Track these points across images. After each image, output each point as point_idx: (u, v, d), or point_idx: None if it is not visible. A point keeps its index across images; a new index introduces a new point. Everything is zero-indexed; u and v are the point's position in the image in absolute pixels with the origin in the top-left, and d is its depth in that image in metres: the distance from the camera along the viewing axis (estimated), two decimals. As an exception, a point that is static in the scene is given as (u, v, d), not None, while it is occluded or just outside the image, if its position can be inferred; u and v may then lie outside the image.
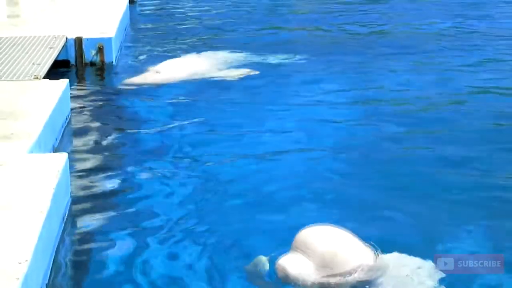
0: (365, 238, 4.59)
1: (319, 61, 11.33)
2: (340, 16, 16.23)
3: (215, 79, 9.54)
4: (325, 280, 4.06)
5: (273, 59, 11.17)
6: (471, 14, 16.44)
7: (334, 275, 4.06)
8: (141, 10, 15.84)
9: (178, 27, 14.27)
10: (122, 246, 5.23)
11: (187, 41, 12.72)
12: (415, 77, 10.86)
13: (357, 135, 7.99)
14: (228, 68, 10.22)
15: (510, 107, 9.34)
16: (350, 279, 4.17)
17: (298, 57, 11.33)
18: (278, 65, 10.90)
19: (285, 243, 4.65)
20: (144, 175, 6.70)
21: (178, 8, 16.70)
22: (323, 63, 11.25)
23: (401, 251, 4.54)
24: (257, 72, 10.06)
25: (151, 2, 17.35)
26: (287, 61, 10.97)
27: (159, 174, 6.72)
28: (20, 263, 3.68)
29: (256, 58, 10.91)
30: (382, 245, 4.62)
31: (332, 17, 16.16)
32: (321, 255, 4.02)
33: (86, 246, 5.30)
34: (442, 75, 11.21)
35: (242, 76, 9.80)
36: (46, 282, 4.30)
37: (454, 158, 7.21)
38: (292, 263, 4.05)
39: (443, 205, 5.90)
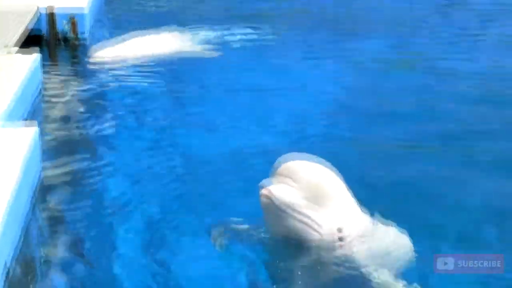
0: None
1: (291, 39, 11.29)
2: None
3: (185, 55, 9.48)
4: (310, 207, 3.86)
5: (241, 36, 11.07)
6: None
7: (321, 203, 3.87)
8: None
9: (151, 2, 14.09)
10: (92, 218, 5.20)
11: (159, 16, 12.60)
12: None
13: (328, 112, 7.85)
14: (197, 44, 10.18)
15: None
16: (338, 206, 3.97)
17: (269, 34, 11.25)
18: (246, 42, 10.82)
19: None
20: (114, 147, 6.68)
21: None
22: (294, 41, 11.23)
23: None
24: (224, 48, 10.08)
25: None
26: (256, 37, 10.92)
27: (129, 145, 6.74)
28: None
29: (226, 35, 10.86)
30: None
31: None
32: (306, 183, 3.83)
33: (56, 219, 5.26)
34: (419, 59, 11.00)
35: (210, 52, 9.77)
36: (17, 253, 4.28)
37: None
38: (278, 191, 3.84)
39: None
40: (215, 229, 4.61)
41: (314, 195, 3.82)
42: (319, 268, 4.00)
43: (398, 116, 7.96)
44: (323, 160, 4.07)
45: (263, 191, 3.80)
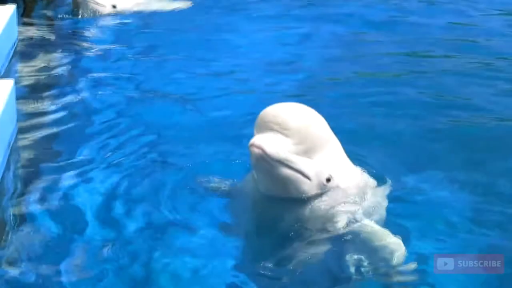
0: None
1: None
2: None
3: (161, 12, 9.46)
4: (301, 156, 3.73)
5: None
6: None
7: (311, 150, 3.75)
8: None
9: None
10: (67, 174, 5.08)
11: None
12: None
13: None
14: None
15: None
16: (326, 152, 3.87)
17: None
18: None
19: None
20: (90, 101, 6.72)
21: None
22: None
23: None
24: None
25: None
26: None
27: (107, 100, 6.74)
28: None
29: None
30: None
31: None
32: (296, 130, 3.67)
33: (31, 174, 5.19)
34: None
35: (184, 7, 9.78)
36: None
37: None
38: (268, 141, 3.66)
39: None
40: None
41: (305, 144, 3.71)
42: (307, 216, 3.95)
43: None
44: (308, 108, 3.93)
45: (255, 144, 3.62)
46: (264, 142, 3.59)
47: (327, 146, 3.85)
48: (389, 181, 4.52)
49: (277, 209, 4.02)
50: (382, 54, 9.05)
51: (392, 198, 4.41)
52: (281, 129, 3.62)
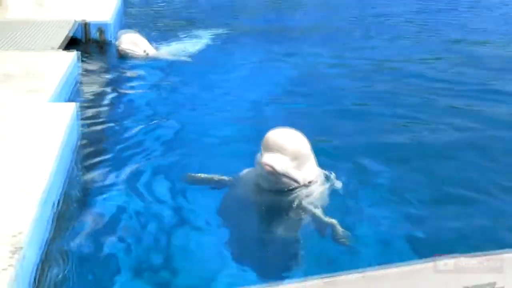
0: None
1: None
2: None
3: (188, 59, 9.98)
4: (294, 167, 4.44)
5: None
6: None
7: (300, 163, 4.48)
8: (131, 3, 16.31)
9: (156, 15, 14.92)
10: (119, 172, 5.56)
11: (162, 27, 13.48)
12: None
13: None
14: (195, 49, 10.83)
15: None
16: (308, 163, 4.61)
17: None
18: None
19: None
20: (131, 118, 7.15)
21: (159, 2, 17.37)
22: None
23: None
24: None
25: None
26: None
27: (143, 117, 7.17)
28: (43, 179, 4.08)
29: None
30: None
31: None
32: (291, 152, 4.38)
33: (91, 170, 5.61)
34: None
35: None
36: (62, 193, 4.64)
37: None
38: (275, 160, 4.36)
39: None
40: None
41: (296, 160, 4.43)
42: (293, 201, 4.59)
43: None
44: (298, 132, 4.60)
45: (266, 163, 4.32)
46: (272, 161, 4.32)
47: (309, 159, 4.64)
48: (333, 175, 5.03)
49: (274, 197, 4.62)
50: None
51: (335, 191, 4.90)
52: (281, 149, 4.36)
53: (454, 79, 9.58)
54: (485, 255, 2.87)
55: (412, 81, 9.40)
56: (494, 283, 2.82)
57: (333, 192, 4.90)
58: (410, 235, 4.74)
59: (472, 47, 12.26)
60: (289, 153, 4.41)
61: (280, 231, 4.74)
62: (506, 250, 3.07)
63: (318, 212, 4.56)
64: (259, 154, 4.55)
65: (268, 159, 4.37)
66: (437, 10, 17.35)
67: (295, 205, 4.62)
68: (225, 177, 5.09)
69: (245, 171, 4.99)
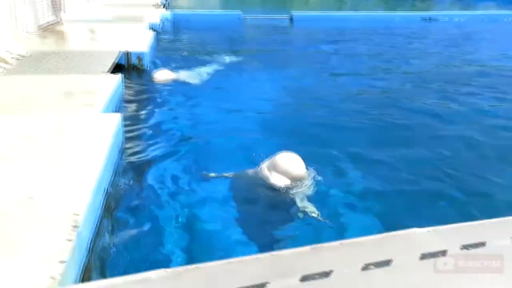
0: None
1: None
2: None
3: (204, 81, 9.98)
4: (294, 185, 4.74)
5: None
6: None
7: (298, 183, 4.77)
8: (162, 36, 16.41)
9: (181, 47, 14.86)
10: (154, 168, 5.63)
11: (184, 55, 13.36)
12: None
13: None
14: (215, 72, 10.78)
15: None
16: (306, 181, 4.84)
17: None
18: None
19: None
20: (166, 130, 7.08)
21: (183, 36, 17.53)
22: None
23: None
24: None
25: (166, 31, 18.10)
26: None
27: (176, 129, 7.09)
28: (96, 171, 4.12)
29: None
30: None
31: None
32: (294, 175, 4.72)
33: (134, 165, 5.69)
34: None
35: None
36: (109, 186, 4.65)
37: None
38: (279, 180, 4.71)
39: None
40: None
41: (295, 178, 4.75)
42: (287, 195, 4.78)
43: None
44: (298, 157, 4.87)
45: (274, 184, 4.69)
46: (279, 181, 4.70)
47: (303, 175, 4.88)
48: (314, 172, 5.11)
49: (272, 190, 4.83)
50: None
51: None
52: (286, 173, 4.69)
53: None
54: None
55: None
56: (446, 251, 2.88)
57: (315, 185, 4.98)
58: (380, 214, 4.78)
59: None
60: (292, 176, 4.75)
61: (276, 213, 4.80)
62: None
63: (303, 199, 4.70)
64: (265, 165, 4.82)
65: (274, 179, 4.73)
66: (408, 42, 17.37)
67: (288, 195, 4.76)
68: (232, 173, 5.20)
69: (250, 170, 5.10)
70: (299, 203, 4.67)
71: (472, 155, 6.43)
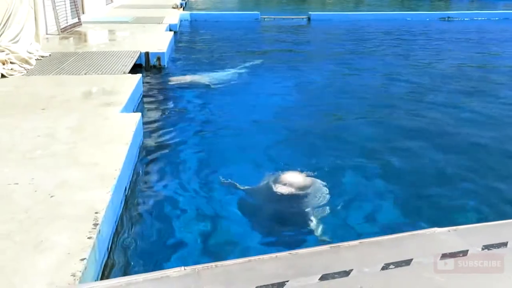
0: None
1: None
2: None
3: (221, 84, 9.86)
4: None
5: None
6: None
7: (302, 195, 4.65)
8: (180, 37, 16.57)
9: (199, 48, 14.92)
10: (173, 166, 5.70)
11: (204, 55, 13.40)
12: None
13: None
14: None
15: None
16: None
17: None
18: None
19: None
20: (184, 126, 7.14)
21: (201, 36, 17.54)
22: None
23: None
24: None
25: (185, 32, 18.26)
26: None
27: (192, 126, 7.16)
28: (116, 170, 4.17)
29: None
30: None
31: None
32: (298, 193, 4.59)
33: (153, 164, 5.70)
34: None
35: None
36: (129, 182, 4.72)
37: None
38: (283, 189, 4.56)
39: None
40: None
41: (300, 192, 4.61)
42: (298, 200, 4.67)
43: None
44: (300, 173, 4.84)
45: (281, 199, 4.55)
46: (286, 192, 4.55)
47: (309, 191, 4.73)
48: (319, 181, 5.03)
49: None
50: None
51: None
52: (291, 193, 4.55)
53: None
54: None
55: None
56: (467, 251, 2.83)
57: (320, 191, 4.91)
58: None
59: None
60: (296, 192, 4.57)
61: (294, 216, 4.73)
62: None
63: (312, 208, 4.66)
64: (273, 180, 4.68)
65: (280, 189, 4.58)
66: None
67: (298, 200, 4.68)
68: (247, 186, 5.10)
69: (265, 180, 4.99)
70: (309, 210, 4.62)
71: (495, 155, 6.31)
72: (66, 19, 13.93)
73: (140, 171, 5.35)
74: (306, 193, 4.72)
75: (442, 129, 7.32)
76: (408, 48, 15.57)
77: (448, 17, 24.23)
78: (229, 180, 5.15)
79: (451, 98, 9.26)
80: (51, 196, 3.69)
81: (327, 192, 4.86)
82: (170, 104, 8.49)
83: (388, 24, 20.83)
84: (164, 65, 10.77)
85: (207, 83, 9.82)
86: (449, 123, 7.60)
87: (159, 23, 16.55)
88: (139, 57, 10.37)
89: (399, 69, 12.04)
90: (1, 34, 8.74)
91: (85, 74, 8.28)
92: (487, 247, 2.88)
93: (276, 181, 4.68)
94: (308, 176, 4.96)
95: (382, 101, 9.03)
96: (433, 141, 6.68)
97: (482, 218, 4.39)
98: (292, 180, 4.68)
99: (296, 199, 4.66)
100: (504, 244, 2.91)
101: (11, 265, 2.85)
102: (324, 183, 4.98)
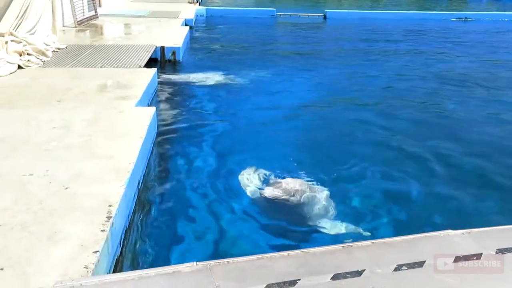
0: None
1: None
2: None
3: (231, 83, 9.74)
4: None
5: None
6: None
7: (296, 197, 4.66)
8: (196, 32, 16.61)
9: (215, 43, 14.84)
10: (186, 160, 5.72)
11: (220, 51, 13.43)
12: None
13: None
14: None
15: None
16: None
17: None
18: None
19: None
20: (194, 121, 7.14)
21: (216, 32, 17.53)
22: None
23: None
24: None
25: (200, 27, 18.23)
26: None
27: (206, 123, 7.18)
28: (130, 163, 4.16)
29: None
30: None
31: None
32: (293, 198, 4.63)
33: (166, 158, 5.80)
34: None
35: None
36: (143, 176, 4.71)
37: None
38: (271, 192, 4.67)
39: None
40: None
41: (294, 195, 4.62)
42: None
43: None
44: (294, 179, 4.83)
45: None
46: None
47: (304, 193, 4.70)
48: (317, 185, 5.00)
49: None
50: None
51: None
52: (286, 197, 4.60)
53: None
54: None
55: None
56: (480, 254, 2.81)
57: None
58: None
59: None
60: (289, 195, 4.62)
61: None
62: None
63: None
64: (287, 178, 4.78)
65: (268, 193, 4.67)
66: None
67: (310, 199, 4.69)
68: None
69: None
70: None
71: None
72: (83, 12, 14.00)
73: (153, 165, 5.37)
74: (317, 193, 4.73)
75: (460, 130, 7.28)
76: (426, 47, 15.43)
77: (466, 18, 23.99)
78: (243, 177, 5.14)
79: (470, 98, 9.22)
80: (66, 188, 3.72)
81: (339, 192, 4.87)
82: (185, 99, 8.51)
83: (405, 23, 20.68)
84: (179, 60, 10.81)
85: (222, 78, 9.84)
86: (468, 123, 7.58)
87: (175, 18, 16.59)
88: (155, 51, 10.40)
89: (415, 68, 11.97)
90: (18, 26, 8.80)
91: (101, 67, 8.34)
92: (501, 251, 2.86)
93: (289, 179, 4.70)
94: (321, 175, 4.94)
95: (398, 100, 8.97)
96: (451, 142, 6.64)
97: (496, 221, 4.35)
98: (303, 180, 4.68)
99: (308, 198, 4.67)
100: (519, 248, 2.89)
101: (26, 255, 2.88)
102: (336, 183, 4.99)
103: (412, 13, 24.93)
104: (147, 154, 5.18)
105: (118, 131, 5.07)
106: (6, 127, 5.11)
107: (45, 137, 4.78)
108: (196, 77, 9.80)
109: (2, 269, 2.75)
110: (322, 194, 4.79)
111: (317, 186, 4.91)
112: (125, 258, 3.60)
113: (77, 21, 13.27)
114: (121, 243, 3.62)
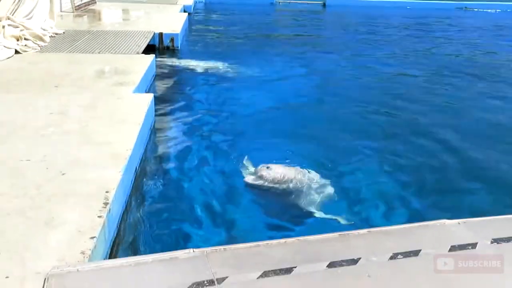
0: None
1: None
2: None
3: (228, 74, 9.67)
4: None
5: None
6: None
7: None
8: (194, 18, 16.57)
9: (213, 30, 14.95)
10: (183, 147, 5.73)
11: (218, 38, 13.52)
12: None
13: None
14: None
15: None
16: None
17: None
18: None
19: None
20: (191, 108, 7.24)
21: (215, 19, 17.63)
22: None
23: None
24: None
25: (199, 14, 18.32)
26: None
27: (204, 109, 7.27)
28: (127, 150, 4.15)
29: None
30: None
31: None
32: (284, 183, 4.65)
33: (163, 145, 5.75)
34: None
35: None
36: (140, 163, 4.71)
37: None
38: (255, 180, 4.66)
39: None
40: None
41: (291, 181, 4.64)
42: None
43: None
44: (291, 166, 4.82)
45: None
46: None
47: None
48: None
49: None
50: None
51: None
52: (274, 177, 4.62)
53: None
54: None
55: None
56: (476, 244, 2.82)
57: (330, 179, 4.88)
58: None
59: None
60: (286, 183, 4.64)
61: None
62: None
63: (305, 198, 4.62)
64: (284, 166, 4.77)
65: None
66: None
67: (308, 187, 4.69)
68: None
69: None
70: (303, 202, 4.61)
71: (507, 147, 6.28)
72: (82, -3, 13.96)
73: (151, 152, 5.37)
74: (314, 181, 4.74)
75: (459, 119, 7.31)
76: (425, 36, 15.46)
77: (465, 7, 23.89)
78: (240, 164, 5.13)
79: (470, 88, 9.24)
80: (63, 174, 3.70)
81: (338, 180, 4.87)
82: (183, 86, 8.53)
83: (404, 11, 20.61)
84: (178, 47, 10.80)
85: (220, 65, 9.85)
86: (467, 113, 7.63)
87: (174, 4, 16.51)
88: (153, 37, 10.39)
89: (414, 56, 12.00)
90: (16, 10, 8.73)
91: (98, 53, 8.32)
92: (496, 240, 2.87)
93: (286, 168, 4.70)
94: (319, 164, 4.93)
95: (396, 89, 8.99)
96: (449, 133, 6.63)
97: (492, 210, 4.34)
98: (302, 169, 4.68)
99: (304, 185, 4.68)
100: (514, 238, 2.90)
101: (23, 240, 2.87)
102: (336, 171, 5.00)
103: (412, 2, 24.84)
104: (145, 140, 5.16)
105: (115, 117, 5.04)
106: (3, 112, 5.09)
107: (42, 123, 4.77)
108: (194, 64, 9.81)
109: (-1, 254, 2.77)
110: (319, 182, 4.79)
111: (314, 173, 4.91)
112: (122, 244, 3.59)
113: (75, 6, 13.20)
114: (118, 229, 3.60)
